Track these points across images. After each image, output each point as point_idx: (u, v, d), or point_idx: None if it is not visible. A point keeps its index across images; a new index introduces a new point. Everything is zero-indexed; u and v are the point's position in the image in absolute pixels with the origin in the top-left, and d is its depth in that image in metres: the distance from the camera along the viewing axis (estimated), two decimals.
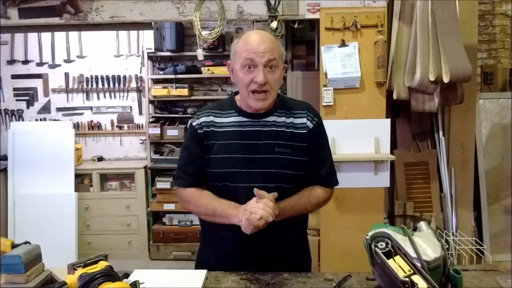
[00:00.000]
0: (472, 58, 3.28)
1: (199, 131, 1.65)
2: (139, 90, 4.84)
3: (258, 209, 1.44)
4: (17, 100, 4.86)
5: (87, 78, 4.84)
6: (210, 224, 1.68)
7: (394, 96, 3.25)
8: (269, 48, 1.52)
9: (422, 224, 1.37)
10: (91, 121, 4.88)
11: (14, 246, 1.41)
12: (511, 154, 3.83)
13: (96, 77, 4.83)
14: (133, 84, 4.85)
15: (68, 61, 4.84)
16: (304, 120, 1.65)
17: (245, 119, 1.63)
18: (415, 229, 1.38)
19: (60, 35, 4.78)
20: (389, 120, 3.21)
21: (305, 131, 1.63)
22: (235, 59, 1.59)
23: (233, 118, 1.64)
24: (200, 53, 3.40)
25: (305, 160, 1.62)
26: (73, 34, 4.78)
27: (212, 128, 1.64)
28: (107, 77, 4.83)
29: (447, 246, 3.20)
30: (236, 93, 1.69)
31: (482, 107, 3.88)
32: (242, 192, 1.57)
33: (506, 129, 3.89)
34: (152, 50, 4.58)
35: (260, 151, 1.58)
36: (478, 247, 3.24)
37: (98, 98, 4.88)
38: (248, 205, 1.49)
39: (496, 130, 3.89)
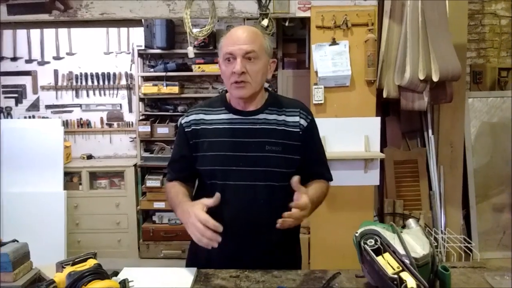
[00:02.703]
0: (461, 57, 3.31)
1: (186, 130, 1.65)
2: (129, 88, 4.82)
3: (194, 232, 1.39)
4: (5, 97, 4.82)
5: (76, 75, 4.81)
6: None
7: (384, 95, 3.27)
8: (248, 40, 1.53)
9: (411, 221, 1.38)
10: (81, 118, 4.85)
11: (1, 244, 1.40)
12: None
13: (86, 74, 4.80)
14: (123, 82, 4.82)
15: (57, 58, 4.80)
16: (297, 118, 1.64)
17: (235, 116, 1.63)
18: (404, 226, 1.39)
19: (49, 32, 4.74)
20: (379, 118, 3.22)
21: (298, 129, 1.63)
22: (219, 54, 1.61)
23: (223, 115, 1.64)
24: (190, 51, 3.38)
25: (297, 159, 1.61)
26: (63, 31, 4.75)
27: (202, 126, 1.63)
28: (97, 74, 4.80)
29: (435, 244, 3.23)
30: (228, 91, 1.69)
31: (471, 106, 3.91)
32: (231, 190, 1.57)
33: (495, 128, 3.92)
34: (142, 48, 4.55)
35: (251, 149, 1.58)
36: (467, 244, 3.27)
37: (88, 95, 4.85)
38: (192, 211, 1.42)
39: (485, 129, 3.92)
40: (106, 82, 4.81)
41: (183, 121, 1.68)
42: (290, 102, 1.72)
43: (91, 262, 1.29)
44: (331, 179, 1.74)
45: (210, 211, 1.60)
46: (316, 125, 1.71)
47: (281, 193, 1.60)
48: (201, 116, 1.65)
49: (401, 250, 1.21)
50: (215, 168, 1.59)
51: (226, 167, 1.58)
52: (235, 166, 1.57)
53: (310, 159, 1.66)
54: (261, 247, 1.61)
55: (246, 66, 1.53)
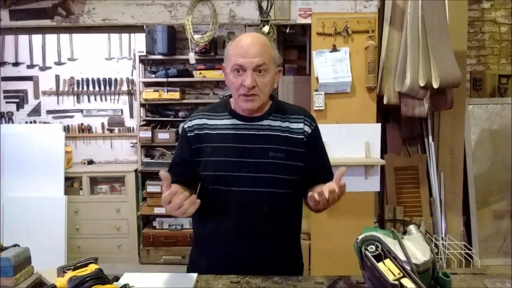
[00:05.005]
0: (461, 64, 3.32)
1: (189, 134, 1.64)
2: (130, 93, 4.83)
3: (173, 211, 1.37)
4: (7, 102, 4.83)
5: (78, 80, 4.82)
6: (202, 229, 1.68)
7: (385, 101, 3.27)
8: (258, 53, 1.51)
9: (412, 228, 1.38)
10: (82, 124, 4.86)
11: (3, 248, 1.40)
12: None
13: (87, 79, 4.82)
14: (124, 87, 4.84)
15: (59, 63, 4.82)
16: (301, 125, 1.64)
17: (239, 122, 1.62)
18: (404, 232, 1.38)
19: (51, 38, 4.77)
20: (379, 124, 3.23)
21: (302, 136, 1.63)
22: (227, 62, 1.59)
23: (227, 120, 1.63)
24: (192, 57, 3.40)
25: (301, 166, 1.61)
26: (64, 37, 4.77)
27: (205, 131, 1.63)
28: (98, 80, 4.81)
29: (436, 250, 3.23)
30: (231, 96, 1.68)
31: (471, 112, 3.92)
32: (234, 196, 1.57)
33: (495, 135, 3.93)
34: (144, 53, 4.57)
35: (254, 155, 1.57)
36: (467, 251, 3.26)
37: (89, 101, 4.86)
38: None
39: (485, 136, 3.93)
40: (108, 88, 4.82)
41: (185, 126, 1.67)
42: (293, 108, 1.72)
43: (92, 267, 1.29)
44: None
45: (213, 219, 1.61)
46: (319, 131, 1.71)
47: (284, 200, 1.61)
48: (204, 121, 1.65)
49: (402, 256, 1.21)
50: (218, 174, 1.58)
51: (229, 173, 1.57)
52: (238, 172, 1.56)
53: (315, 165, 1.66)
54: (263, 253, 1.60)
55: (256, 79, 1.52)
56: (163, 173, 1.34)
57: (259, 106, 1.60)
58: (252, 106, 1.57)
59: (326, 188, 1.38)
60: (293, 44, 4.52)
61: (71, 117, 4.87)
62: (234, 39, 1.60)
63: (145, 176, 4.64)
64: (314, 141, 1.66)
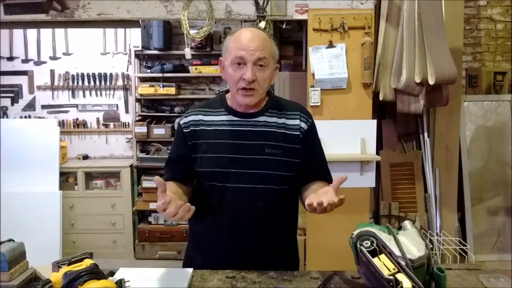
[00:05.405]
0: (457, 61, 3.33)
1: (185, 130, 1.64)
2: (125, 88, 4.81)
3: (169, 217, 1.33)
4: (1, 97, 4.80)
5: (73, 75, 4.80)
6: (197, 225, 1.68)
7: (380, 97, 3.28)
8: (259, 46, 1.51)
9: (407, 223, 1.38)
10: (77, 119, 4.84)
11: None
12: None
13: (82, 74, 4.79)
14: (120, 82, 4.81)
15: (54, 58, 4.78)
16: (297, 121, 1.63)
17: (235, 118, 1.61)
18: (399, 228, 1.39)
19: (46, 32, 4.73)
20: (375, 121, 3.23)
21: (299, 132, 1.62)
22: (226, 56, 1.58)
23: (223, 117, 1.62)
24: (187, 52, 3.39)
25: (297, 162, 1.60)
26: (59, 31, 4.74)
27: (201, 127, 1.62)
28: (93, 74, 4.79)
29: (431, 246, 3.24)
30: (227, 91, 1.67)
31: (467, 109, 3.93)
32: (230, 192, 1.56)
33: (490, 132, 3.94)
34: (140, 48, 4.55)
35: (250, 152, 1.57)
36: (462, 247, 3.28)
37: (84, 96, 4.84)
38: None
39: (480, 132, 3.95)
40: (103, 83, 4.80)
41: (181, 122, 1.66)
42: (290, 104, 1.71)
43: (87, 262, 1.29)
44: (332, 181, 1.72)
45: (209, 215, 1.61)
46: (316, 128, 1.70)
47: (280, 197, 1.60)
48: (200, 117, 1.64)
49: (397, 252, 1.22)
50: (215, 170, 1.57)
51: (225, 169, 1.56)
52: (234, 168, 1.56)
53: (311, 162, 1.65)
54: (259, 250, 1.61)
55: (256, 73, 1.51)
56: (158, 178, 1.33)
57: (256, 102, 1.59)
58: (250, 101, 1.56)
59: (325, 199, 1.36)
60: (290, 40, 4.52)
61: (66, 112, 4.85)
62: (233, 34, 1.59)
63: (140, 172, 4.63)
64: (311, 138, 1.66)
